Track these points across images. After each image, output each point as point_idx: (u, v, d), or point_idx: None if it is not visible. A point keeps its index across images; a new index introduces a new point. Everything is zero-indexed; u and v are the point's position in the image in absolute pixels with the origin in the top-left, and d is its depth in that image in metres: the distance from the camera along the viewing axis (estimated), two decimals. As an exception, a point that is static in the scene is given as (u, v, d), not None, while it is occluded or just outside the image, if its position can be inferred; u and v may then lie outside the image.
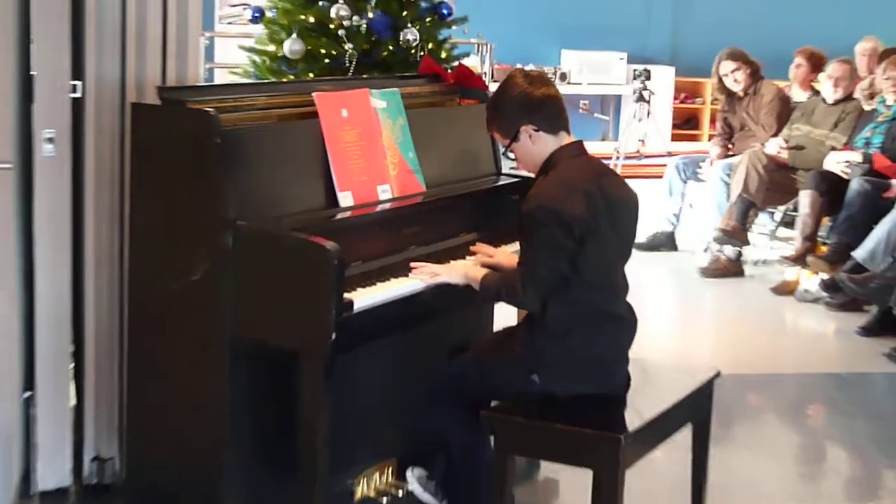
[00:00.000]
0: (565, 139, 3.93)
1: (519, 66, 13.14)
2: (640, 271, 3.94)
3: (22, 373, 4.28)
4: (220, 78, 8.76)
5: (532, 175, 4.02)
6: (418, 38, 5.61)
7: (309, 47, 5.55)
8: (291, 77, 5.55)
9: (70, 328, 4.27)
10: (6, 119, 3.99)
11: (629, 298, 4.01)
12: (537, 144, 3.90)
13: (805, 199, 8.16)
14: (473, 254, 4.20)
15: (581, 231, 3.72)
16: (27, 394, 4.25)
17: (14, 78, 4.13)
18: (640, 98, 12.72)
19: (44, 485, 4.27)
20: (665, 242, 9.14)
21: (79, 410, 4.35)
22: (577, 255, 3.75)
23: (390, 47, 5.60)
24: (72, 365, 4.33)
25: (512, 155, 3.99)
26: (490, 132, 4.05)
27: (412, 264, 4.01)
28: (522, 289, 3.78)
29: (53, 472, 4.29)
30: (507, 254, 4.19)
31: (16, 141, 4.12)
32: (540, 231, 3.74)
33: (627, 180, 4.04)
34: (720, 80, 9.12)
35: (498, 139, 4.01)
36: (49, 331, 4.20)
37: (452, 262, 4.13)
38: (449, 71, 5.00)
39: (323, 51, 5.56)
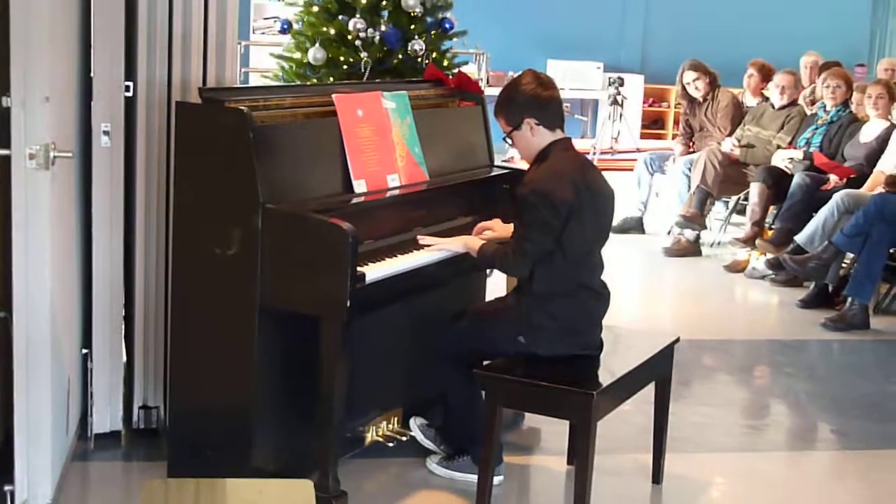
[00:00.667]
0: (559, 135, 3.92)
1: (511, 73, 13.13)
2: (613, 250, 3.95)
3: (80, 333, 4.27)
4: (254, 81, 8.72)
5: (521, 162, 4.01)
6: (424, 48, 5.58)
7: (330, 55, 5.53)
8: (314, 81, 5.53)
9: (122, 295, 4.26)
10: (69, 115, 3.97)
11: (604, 276, 4.00)
12: (536, 136, 3.89)
13: (754, 190, 8.14)
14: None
15: (566, 213, 3.73)
16: (85, 351, 4.25)
17: (77, 79, 4.11)
18: (614, 102, 12.68)
19: (99, 428, 4.27)
20: (634, 226, 9.12)
21: (129, 365, 4.34)
22: (561, 234, 3.75)
23: (400, 56, 5.58)
24: (123, 326, 4.32)
25: (510, 141, 3.97)
26: (497, 117, 4.01)
27: (419, 239, 4.02)
28: (513, 258, 3.82)
29: (107, 417, 4.28)
30: (503, 225, 4.18)
31: (77, 134, 4.11)
32: (532, 211, 3.75)
33: (602, 172, 4.03)
34: (683, 87, 9.09)
35: (501, 125, 3.98)
36: (104, 297, 4.18)
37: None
38: (450, 77, 4.97)
39: (342, 58, 5.54)
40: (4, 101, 3.33)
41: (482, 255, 3.94)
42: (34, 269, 3.43)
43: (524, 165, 4.13)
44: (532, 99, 3.88)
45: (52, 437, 3.58)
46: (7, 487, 3.54)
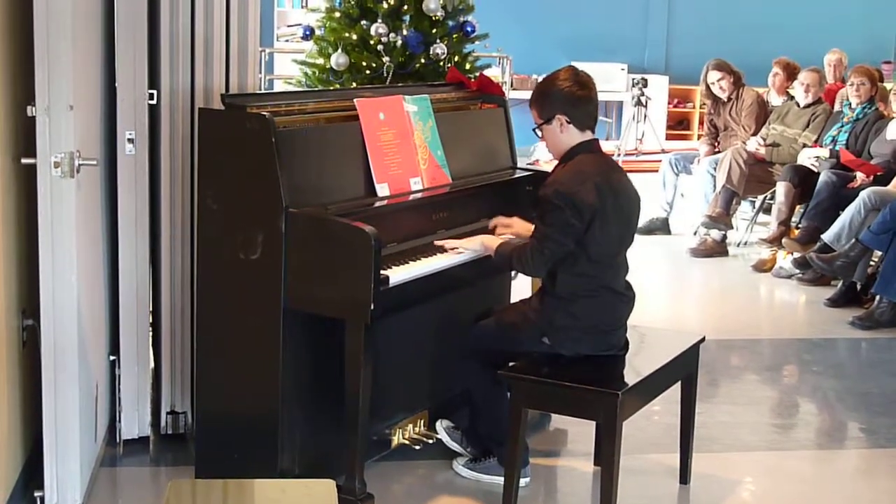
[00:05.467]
0: (588, 136, 3.91)
1: (534, 76, 13.13)
2: (639, 251, 3.94)
3: (108, 339, 4.30)
4: (278, 88, 8.77)
5: (546, 165, 4.01)
6: (446, 52, 5.60)
7: (352, 60, 5.56)
8: (337, 86, 5.56)
9: (149, 301, 4.29)
10: (94, 123, 4.01)
11: (630, 276, 3.99)
12: (565, 134, 3.89)
13: (780, 189, 8.11)
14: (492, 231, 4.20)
15: (589, 215, 3.72)
16: (112, 357, 4.28)
17: (101, 88, 4.15)
18: (639, 103, 12.65)
19: (127, 434, 4.30)
20: (660, 227, 9.10)
21: (156, 371, 4.38)
22: (584, 235, 3.75)
23: (422, 60, 5.60)
24: (150, 333, 4.35)
25: (539, 133, 3.97)
26: (530, 108, 3.99)
27: (437, 243, 4.02)
28: (531, 257, 3.82)
29: (135, 423, 4.31)
30: (522, 222, 4.19)
31: (102, 142, 4.14)
32: (554, 212, 3.74)
33: (627, 174, 4.02)
34: (707, 87, 9.05)
35: (534, 117, 3.97)
36: (131, 304, 4.21)
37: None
38: (472, 80, 4.98)
39: (364, 63, 5.56)
40: (29, 110, 3.36)
41: (499, 255, 3.94)
42: (61, 276, 3.46)
43: (548, 167, 4.12)
44: (567, 96, 3.87)
45: (80, 443, 3.61)
46: (37, 493, 3.58)
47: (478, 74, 5.34)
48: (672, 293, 7.79)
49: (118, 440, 4.29)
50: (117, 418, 4.28)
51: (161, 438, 4.36)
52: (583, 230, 3.74)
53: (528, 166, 5.18)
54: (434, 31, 5.63)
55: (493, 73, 6.60)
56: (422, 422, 4.37)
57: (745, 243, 8.74)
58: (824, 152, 8.03)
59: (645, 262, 7.97)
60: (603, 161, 3.94)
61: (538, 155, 11.06)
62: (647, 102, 12.67)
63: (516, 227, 4.16)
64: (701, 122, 13.01)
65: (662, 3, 14.27)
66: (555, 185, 3.80)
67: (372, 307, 3.52)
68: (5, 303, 3.50)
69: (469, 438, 4.26)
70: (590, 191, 3.74)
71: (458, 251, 4.00)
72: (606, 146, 11.97)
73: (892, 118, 7.78)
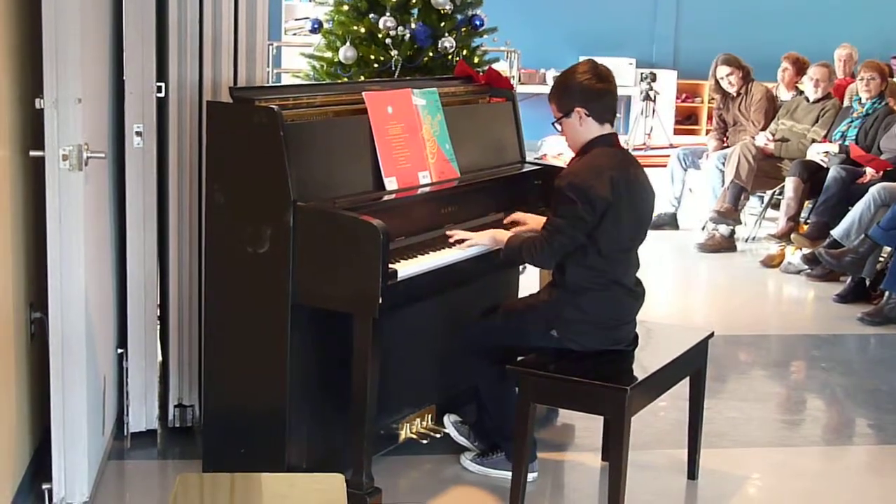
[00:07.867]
0: (607, 129, 3.90)
1: (542, 70, 13.12)
2: (647, 246, 3.93)
3: (116, 333, 4.31)
4: (286, 81, 8.77)
5: (553, 160, 4.00)
6: (454, 45, 5.60)
7: (360, 54, 5.56)
8: (345, 79, 5.55)
9: (156, 295, 4.30)
10: (102, 116, 4.01)
11: (639, 271, 3.98)
12: (584, 127, 3.87)
13: (789, 184, 8.10)
14: (505, 227, 4.20)
15: (602, 210, 3.71)
16: (120, 350, 4.28)
17: (109, 81, 4.15)
18: (647, 98, 12.65)
19: (135, 427, 4.30)
20: (668, 222, 9.09)
21: (164, 364, 4.38)
22: (595, 229, 3.74)
23: (430, 53, 5.59)
24: (158, 326, 4.35)
25: (559, 127, 3.96)
26: (549, 102, 3.98)
27: (448, 232, 4.02)
28: (540, 249, 3.81)
29: (142, 416, 4.32)
30: (535, 217, 4.18)
31: (110, 135, 4.14)
32: (567, 204, 3.73)
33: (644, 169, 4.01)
34: (716, 82, 9.04)
35: (553, 111, 3.95)
36: (138, 297, 4.22)
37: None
38: (480, 73, 4.97)
39: (372, 57, 5.56)
40: (38, 103, 3.36)
41: (509, 248, 3.94)
42: (69, 269, 3.47)
43: (555, 162, 4.11)
44: (586, 89, 3.86)
45: (88, 436, 3.62)
46: (45, 486, 3.59)
47: (486, 68, 5.32)
48: (680, 288, 7.79)
49: (126, 433, 4.29)
50: (125, 411, 4.29)
51: (168, 432, 4.37)
52: (595, 224, 3.74)
53: (537, 160, 5.17)
54: (442, 24, 5.63)
55: (501, 67, 6.58)
56: (429, 416, 4.38)
57: (754, 239, 8.73)
58: (833, 147, 8.03)
59: (653, 257, 7.95)
60: (620, 155, 3.92)
61: (546, 150, 11.06)
62: (655, 97, 12.67)
63: (529, 223, 4.15)
64: (709, 117, 13.00)
65: (671, -3, 14.27)
66: (569, 177, 3.79)
67: (380, 301, 3.52)
68: (13, 296, 3.51)
69: (476, 433, 4.26)
70: (604, 184, 3.73)
71: (468, 244, 4.00)
72: (614, 141, 12.03)
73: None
